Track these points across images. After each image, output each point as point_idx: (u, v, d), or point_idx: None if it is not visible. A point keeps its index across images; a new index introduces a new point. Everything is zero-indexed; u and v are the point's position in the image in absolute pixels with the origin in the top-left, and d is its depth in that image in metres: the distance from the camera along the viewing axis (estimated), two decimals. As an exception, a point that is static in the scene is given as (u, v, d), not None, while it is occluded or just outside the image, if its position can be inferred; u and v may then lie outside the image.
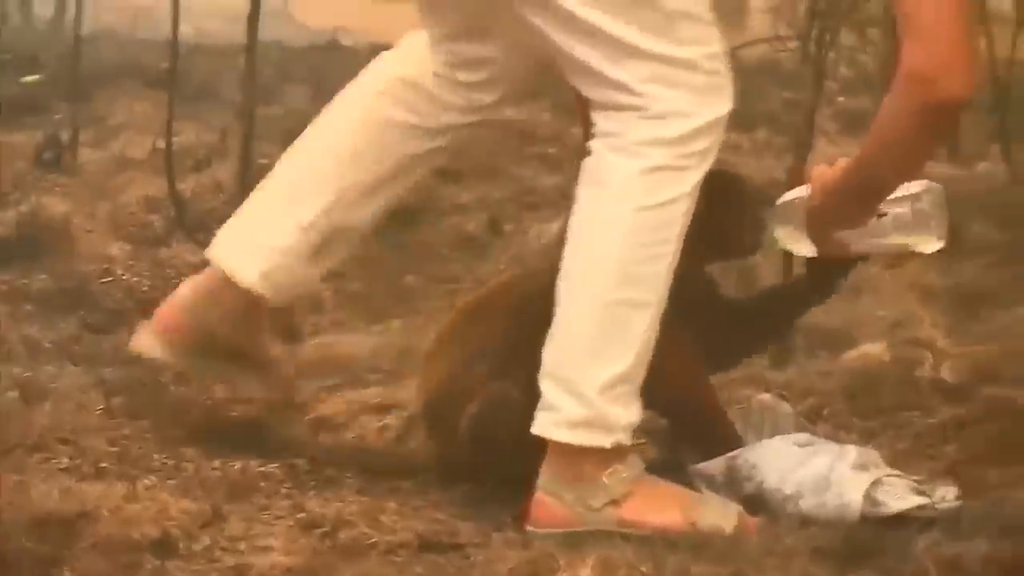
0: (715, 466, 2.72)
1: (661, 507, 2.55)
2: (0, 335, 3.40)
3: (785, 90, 7.43)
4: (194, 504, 2.62)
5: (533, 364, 2.67)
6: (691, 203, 2.55)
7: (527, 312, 2.74)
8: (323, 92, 2.89)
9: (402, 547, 2.46)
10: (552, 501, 2.54)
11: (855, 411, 3.21)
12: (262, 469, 2.74)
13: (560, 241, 2.70)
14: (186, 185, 4.37)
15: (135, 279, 3.90)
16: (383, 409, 2.97)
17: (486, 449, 2.67)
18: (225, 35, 7.60)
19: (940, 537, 2.51)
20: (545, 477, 2.55)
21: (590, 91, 2.57)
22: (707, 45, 2.55)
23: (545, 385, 2.55)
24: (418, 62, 2.83)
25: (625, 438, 2.54)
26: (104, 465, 2.76)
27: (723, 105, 2.56)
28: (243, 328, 2.87)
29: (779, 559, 2.44)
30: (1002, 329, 3.78)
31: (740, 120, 6.53)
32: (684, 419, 2.81)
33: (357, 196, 2.83)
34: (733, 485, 2.70)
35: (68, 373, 3.24)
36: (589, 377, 2.51)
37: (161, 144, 4.61)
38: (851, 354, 3.50)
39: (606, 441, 2.52)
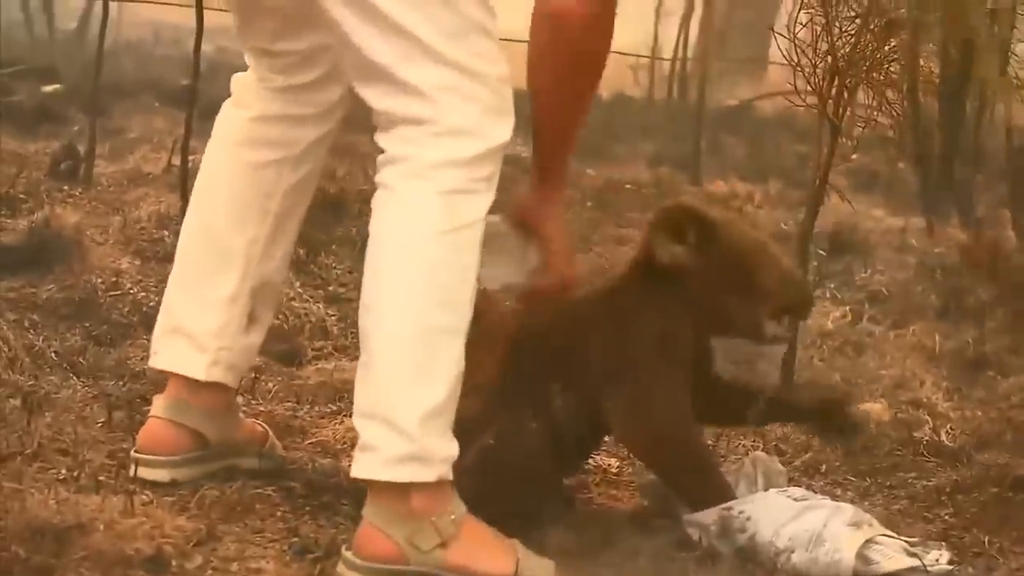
0: (709, 516, 2.72)
1: (487, 553, 2.50)
2: (5, 343, 3.39)
3: (800, 143, 7.47)
4: (189, 522, 2.62)
5: (536, 396, 2.69)
6: (482, 227, 2.50)
7: (524, 344, 2.75)
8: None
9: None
10: (381, 536, 2.47)
11: (852, 469, 3.21)
12: (259, 491, 2.74)
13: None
14: (199, 204, 4.37)
15: (143, 294, 3.91)
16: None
17: (494, 481, 2.66)
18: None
19: (930, 600, 2.52)
20: (373, 511, 2.48)
21: (382, 101, 2.49)
22: (498, 65, 2.52)
23: (362, 425, 2.48)
24: (256, 96, 2.83)
25: (447, 472, 2.48)
26: (102, 478, 2.76)
27: (507, 130, 2.51)
28: (224, 417, 2.87)
29: (769, 612, 2.46)
30: (1002, 395, 3.78)
31: (754, 171, 6.60)
32: (677, 470, 2.80)
33: (262, 250, 2.83)
34: (726, 536, 2.69)
35: (71, 385, 3.24)
36: (407, 411, 2.44)
37: (177, 161, 4.63)
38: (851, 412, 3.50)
39: (430, 476, 2.45)
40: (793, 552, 2.64)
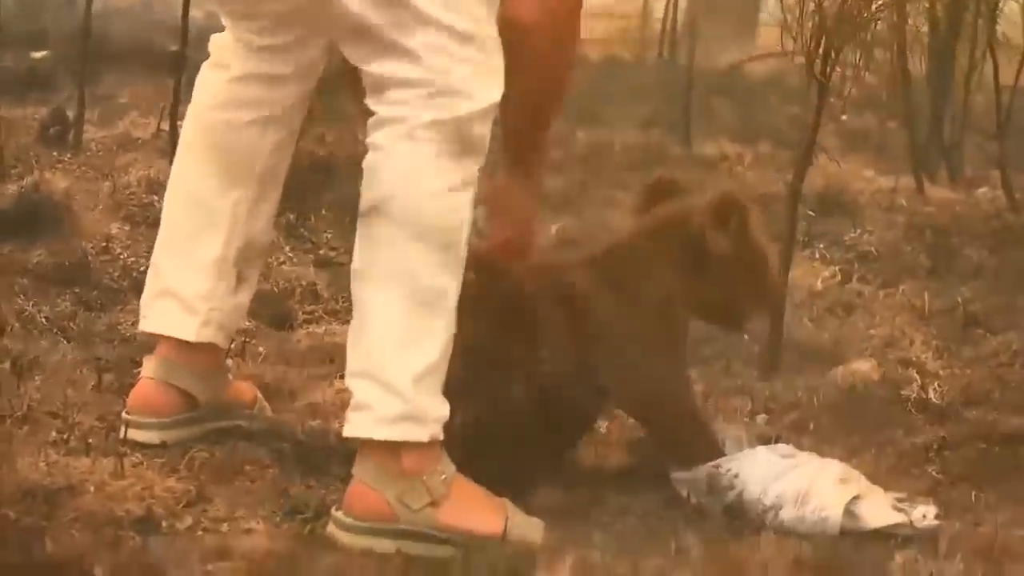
0: (697, 474, 2.73)
1: (477, 513, 2.51)
2: (-4, 307, 3.41)
3: (790, 105, 7.46)
4: (179, 484, 2.64)
5: (526, 361, 2.70)
6: (473, 192, 2.51)
7: (511, 311, 2.76)
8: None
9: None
10: (372, 494, 2.47)
11: (840, 427, 3.22)
12: (249, 453, 2.75)
13: (560, 242, 2.73)
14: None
15: (133, 259, 3.91)
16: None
17: (483, 446, 2.67)
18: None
19: (917, 555, 2.53)
20: (364, 470, 2.48)
21: (373, 64, 2.49)
22: (488, 26, 2.52)
23: (355, 385, 2.49)
24: (235, 56, 2.83)
25: (439, 432, 2.49)
26: (92, 441, 2.77)
27: (496, 91, 2.51)
28: (214, 378, 2.89)
29: (757, 569, 2.46)
30: (990, 353, 3.79)
31: (744, 132, 6.59)
32: (668, 427, 2.81)
33: (248, 210, 2.84)
34: (714, 493, 2.71)
35: (61, 349, 3.25)
36: (401, 370, 2.45)
37: (166, 126, 4.63)
38: (840, 370, 3.51)
39: (423, 435, 2.46)
40: (781, 509, 2.65)
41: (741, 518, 2.66)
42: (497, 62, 2.52)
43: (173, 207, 2.88)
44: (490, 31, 2.52)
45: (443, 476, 2.49)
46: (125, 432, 2.79)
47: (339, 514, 2.49)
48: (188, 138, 2.88)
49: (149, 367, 2.86)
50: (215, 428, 2.87)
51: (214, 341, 2.85)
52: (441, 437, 2.49)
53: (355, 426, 2.48)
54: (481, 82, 2.49)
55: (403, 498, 2.46)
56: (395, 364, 2.45)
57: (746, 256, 2.83)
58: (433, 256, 2.46)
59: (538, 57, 2.66)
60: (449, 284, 2.48)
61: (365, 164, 2.50)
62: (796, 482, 2.67)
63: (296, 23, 2.73)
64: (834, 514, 2.63)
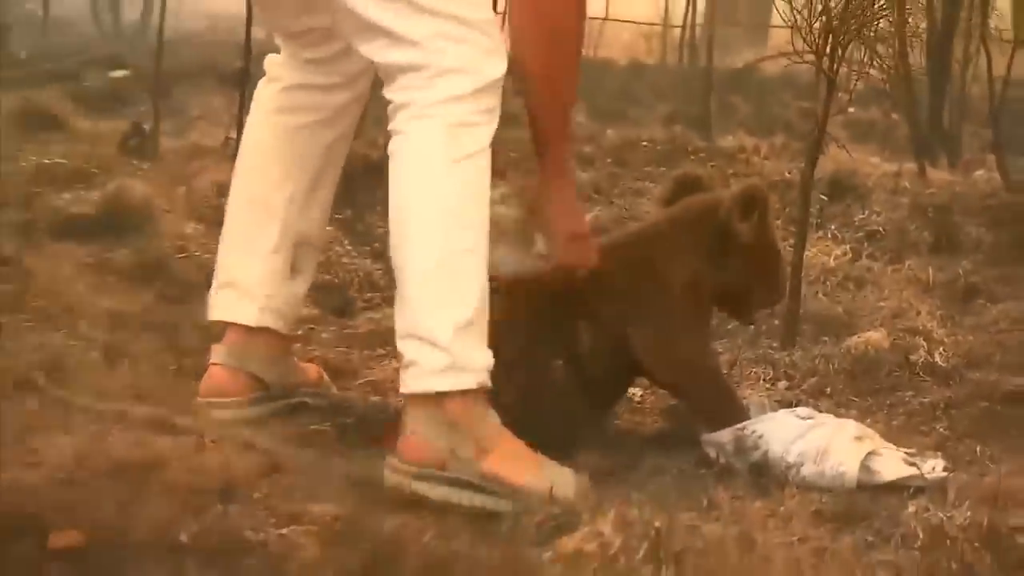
0: (725, 436, 2.73)
1: (520, 466, 2.49)
2: (86, 303, 3.42)
3: (802, 100, 7.43)
4: (255, 456, 2.64)
5: (566, 336, 2.69)
6: (489, 159, 2.50)
7: (555, 286, 2.76)
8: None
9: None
10: (424, 443, 2.47)
11: (855, 391, 3.21)
12: (316, 427, 2.76)
13: (592, 230, 2.73)
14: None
15: (207, 256, 3.91)
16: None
17: (527, 416, 2.67)
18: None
19: (928, 504, 2.51)
20: (415, 421, 2.48)
21: (382, 55, 2.51)
22: (482, 9, 2.52)
23: (403, 346, 2.49)
24: (287, 70, 2.85)
25: (485, 379, 2.48)
26: (175, 420, 2.78)
27: (500, 66, 2.51)
28: (279, 361, 2.90)
29: (781, 521, 2.45)
30: (991, 321, 3.77)
31: (760, 125, 6.57)
32: (697, 394, 2.81)
33: (300, 205, 2.85)
34: (741, 453, 2.70)
35: (145, 338, 3.26)
36: (441, 326, 2.45)
37: (233, 135, 4.64)
38: (853, 340, 3.50)
39: (470, 382, 2.46)
40: (802, 466, 2.64)
41: (766, 475, 2.65)
42: (497, 41, 2.52)
43: (234, 205, 2.89)
44: (485, 14, 2.52)
45: (491, 428, 2.49)
46: (210, 415, 2.80)
47: (393, 460, 2.49)
48: (247, 143, 2.90)
49: (218, 354, 2.87)
50: (284, 405, 2.87)
51: (273, 326, 2.86)
52: (488, 385, 2.49)
53: (407, 383, 2.49)
54: (482, 59, 2.49)
55: (453, 446, 2.47)
56: (435, 321, 2.46)
57: (764, 247, 2.83)
58: (454, 220, 2.46)
59: (549, 26, 2.62)
60: (474, 243, 2.47)
61: (389, 148, 2.52)
62: (815, 441, 2.66)
63: (336, 35, 2.72)
64: (851, 469, 2.62)
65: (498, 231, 2.61)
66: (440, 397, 2.47)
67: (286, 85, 2.85)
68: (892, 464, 2.64)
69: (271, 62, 2.88)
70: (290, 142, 2.84)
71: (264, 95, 2.88)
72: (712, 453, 2.74)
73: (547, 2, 2.61)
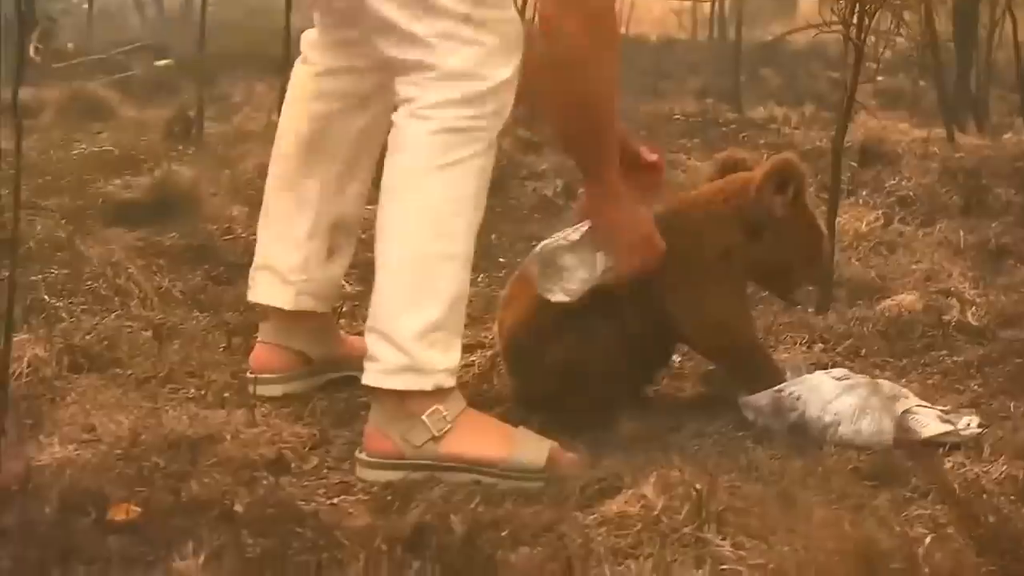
0: (763, 398, 2.72)
1: (479, 441, 2.47)
2: (137, 285, 3.43)
3: (830, 70, 7.40)
4: (304, 429, 2.66)
5: (608, 306, 2.69)
6: (487, 161, 2.47)
7: None
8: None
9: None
10: (380, 435, 2.48)
11: (890, 351, 3.19)
12: (363, 399, 2.76)
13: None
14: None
15: (253, 237, 3.88)
16: (469, 349, 2.97)
17: (572, 382, 2.67)
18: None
19: (964, 460, 2.51)
20: (375, 413, 2.50)
21: (392, 49, 2.48)
22: (497, 8, 2.48)
23: (368, 339, 2.49)
24: (320, 52, 2.83)
25: (445, 380, 2.47)
26: (226, 395, 2.80)
27: (508, 68, 2.47)
28: (324, 337, 2.89)
29: (820, 479, 2.45)
30: (1021, 280, 3.75)
31: (790, 96, 6.55)
32: (734, 358, 2.80)
33: (335, 189, 2.83)
34: (779, 414, 2.69)
35: (195, 317, 3.28)
36: (403, 327, 2.44)
37: (275, 119, 4.64)
38: (887, 302, 3.48)
39: (426, 384, 2.45)
40: (839, 425, 2.63)
41: (804, 435, 2.64)
42: (512, 42, 2.48)
43: (270, 189, 2.89)
44: (501, 15, 2.47)
45: (444, 414, 2.47)
46: (253, 389, 2.82)
47: (361, 454, 2.50)
48: (282, 128, 2.89)
49: (264, 332, 2.89)
50: (331, 379, 2.88)
51: (310, 309, 2.85)
52: (448, 384, 2.48)
53: (368, 376, 2.49)
54: (490, 62, 2.45)
55: (406, 436, 2.46)
56: (398, 321, 2.45)
57: (800, 221, 2.79)
58: (434, 224, 2.44)
59: (576, 69, 2.49)
60: (452, 249, 2.45)
61: (389, 138, 2.51)
62: (851, 400, 2.65)
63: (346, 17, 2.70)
64: (887, 426, 2.61)
65: (554, 258, 2.62)
66: (399, 393, 2.46)
67: (318, 70, 2.84)
68: (928, 421, 2.63)
69: (306, 41, 2.87)
70: (322, 128, 2.83)
71: (298, 80, 2.88)
72: (750, 416, 2.73)
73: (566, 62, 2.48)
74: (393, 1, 2.45)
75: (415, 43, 2.45)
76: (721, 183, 2.85)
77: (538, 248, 2.68)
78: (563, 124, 2.60)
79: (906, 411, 2.64)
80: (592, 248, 2.65)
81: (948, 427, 2.62)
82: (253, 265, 2.91)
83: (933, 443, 2.59)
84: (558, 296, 2.66)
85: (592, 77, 2.49)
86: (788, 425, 2.68)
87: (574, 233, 2.66)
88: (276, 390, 2.82)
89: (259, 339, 2.90)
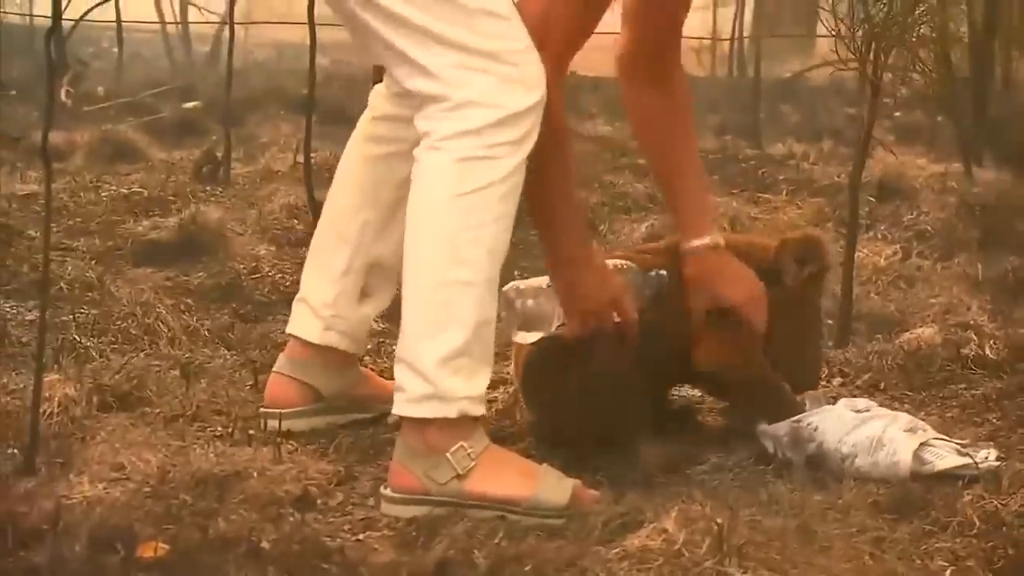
0: (781, 428, 2.71)
1: (503, 479, 2.46)
2: (164, 324, 3.45)
3: (848, 107, 7.39)
4: (330, 465, 2.66)
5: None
6: (507, 189, 2.46)
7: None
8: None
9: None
10: (404, 471, 2.47)
11: (908, 385, 3.18)
12: (388, 436, 2.77)
13: (649, 238, 2.72)
14: (321, 194, 4.39)
15: (279, 275, 3.94)
16: (491, 385, 2.96)
17: (592, 406, 2.66)
18: (356, 65, 7.67)
19: (983, 492, 2.50)
20: (400, 448, 2.49)
21: (406, 81, 2.50)
22: (509, 40, 2.47)
23: (396, 370, 2.49)
24: (382, 100, 2.86)
25: (469, 407, 2.46)
26: (252, 432, 2.80)
27: (525, 98, 2.46)
28: (341, 375, 2.89)
29: (840, 512, 2.45)
30: (1040, 314, 3.75)
31: (809, 133, 6.54)
32: (753, 390, 2.80)
33: (374, 233, 2.84)
34: (797, 445, 2.68)
35: (222, 355, 3.29)
36: (426, 355, 2.43)
37: (301, 159, 4.67)
38: (905, 336, 3.47)
39: (450, 412, 2.44)
40: (856, 457, 2.63)
41: (821, 467, 2.64)
42: (523, 72, 2.47)
43: (319, 225, 2.92)
44: (512, 45, 2.47)
45: (469, 451, 2.46)
46: (264, 424, 2.83)
47: (385, 490, 2.50)
48: (339, 168, 2.92)
49: (279, 363, 2.90)
50: (343, 418, 2.88)
51: (337, 345, 2.85)
52: (473, 412, 2.47)
53: (395, 406, 2.49)
54: (505, 91, 2.45)
55: (429, 473, 2.46)
56: (421, 349, 2.45)
57: (806, 300, 2.82)
58: (453, 253, 2.44)
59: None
60: (471, 275, 2.44)
61: (412, 174, 2.52)
62: (868, 432, 2.65)
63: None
64: (904, 458, 2.60)
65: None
66: (422, 424, 2.46)
67: (375, 115, 2.87)
68: (945, 454, 2.62)
69: (374, 92, 2.90)
70: (370, 170, 2.85)
71: (360, 123, 2.91)
72: (769, 446, 2.72)
73: None
74: (405, 35, 2.46)
75: (427, 76, 2.46)
76: (746, 238, 2.87)
77: (508, 287, 2.71)
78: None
79: (923, 444, 2.63)
80: (553, 303, 2.70)
81: (966, 460, 2.61)
82: (296, 298, 2.92)
83: (950, 476, 2.58)
84: (517, 336, 2.74)
85: (536, 178, 2.53)
86: (806, 456, 2.67)
87: (545, 281, 2.71)
88: (287, 424, 2.82)
89: (273, 369, 2.90)
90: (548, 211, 2.63)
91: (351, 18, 2.53)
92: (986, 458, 2.62)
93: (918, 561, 2.27)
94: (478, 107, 2.44)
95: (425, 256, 2.47)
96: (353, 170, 2.87)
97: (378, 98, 2.88)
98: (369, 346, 3.27)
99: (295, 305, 2.90)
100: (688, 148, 2.84)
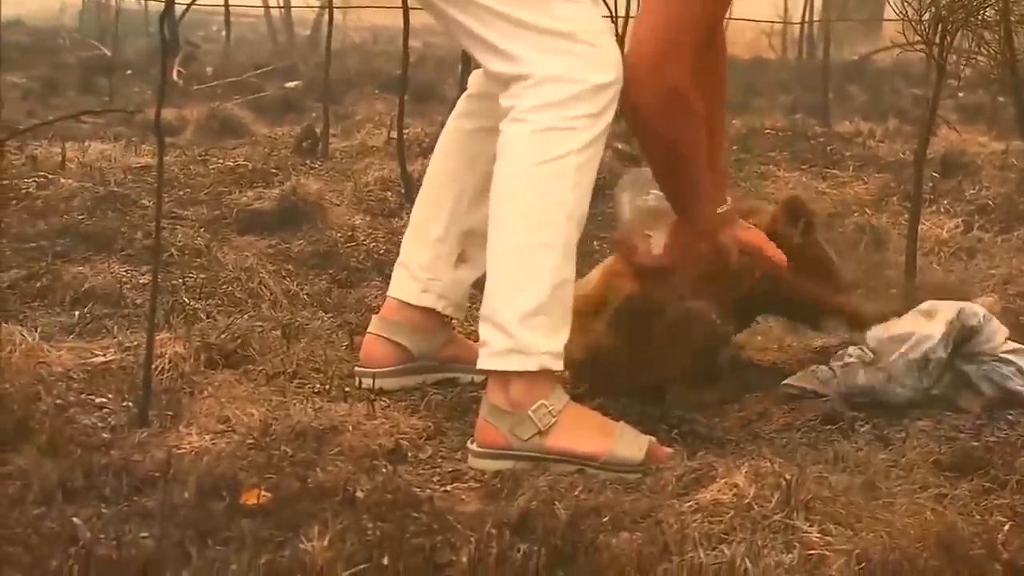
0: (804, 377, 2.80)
1: (583, 437, 2.46)
2: (268, 288, 3.47)
3: (913, 87, 7.30)
4: (420, 421, 2.66)
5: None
6: (584, 159, 2.46)
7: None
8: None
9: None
10: (490, 427, 2.47)
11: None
12: (474, 394, 2.77)
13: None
14: (413, 168, 4.41)
15: (373, 244, 3.95)
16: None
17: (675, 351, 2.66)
18: (446, 47, 7.67)
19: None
20: (485, 406, 2.49)
21: (491, 65, 2.52)
22: (584, 22, 2.48)
23: (481, 328, 2.50)
24: (479, 78, 2.85)
25: (550, 362, 2.45)
26: (348, 389, 2.81)
27: (604, 74, 2.46)
28: (432, 337, 2.88)
29: (903, 470, 2.43)
30: (1096, 283, 3.68)
31: (875, 112, 6.46)
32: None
33: (469, 202, 2.83)
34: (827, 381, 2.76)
35: (320, 318, 3.29)
36: (507, 312, 2.44)
37: (394, 135, 4.67)
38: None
39: (531, 365, 2.44)
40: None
41: (885, 427, 2.62)
42: (599, 52, 2.47)
43: (419, 196, 2.93)
44: (588, 26, 2.49)
45: (549, 408, 2.46)
46: (359, 381, 2.83)
47: (472, 444, 2.50)
48: (438, 143, 2.93)
49: (372, 324, 2.90)
50: (432, 377, 2.87)
51: (433, 307, 2.85)
52: (553, 367, 2.47)
53: (480, 361, 2.50)
54: (584, 67, 2.45)
55: (514, 430, 2.46)
56: (503, 308, 2.46)
57: (812, 252, 2.86)
58: (532, 216, 2.46)
59: (655, 136, 2.58)
60: (550, 239, 2.45)
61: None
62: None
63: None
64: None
65: None
66: (506, 379, 2.46)
67: (471, 92, 2.88)
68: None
69: (474, 73, 2.91)
70: (464, 144, 2.85)
71: (459, 101, 2.92)
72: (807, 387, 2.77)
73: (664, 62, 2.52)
74: (486, 23, 2.49)
75: (509, 59, 2.48)
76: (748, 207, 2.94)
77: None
78: (650, 164, 2.66)
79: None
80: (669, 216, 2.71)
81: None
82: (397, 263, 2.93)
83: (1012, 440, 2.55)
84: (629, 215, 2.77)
85: (668, 147, 2.57)
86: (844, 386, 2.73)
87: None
88: (368, 382, 2.83)
89: (368, 331, 2.91)
90: (681, 180, 2.64)
91: (434, 7, 2.56)
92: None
93: (977, 517, 2.25)
94: (557, 82, 2.45)
95: (507, 221, 2.48)
96: (449, 144, 2.89)
97: (476, 77, 2.89)
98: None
99: (396, 269, 2.91)
100: (720, 118, 2.81)
